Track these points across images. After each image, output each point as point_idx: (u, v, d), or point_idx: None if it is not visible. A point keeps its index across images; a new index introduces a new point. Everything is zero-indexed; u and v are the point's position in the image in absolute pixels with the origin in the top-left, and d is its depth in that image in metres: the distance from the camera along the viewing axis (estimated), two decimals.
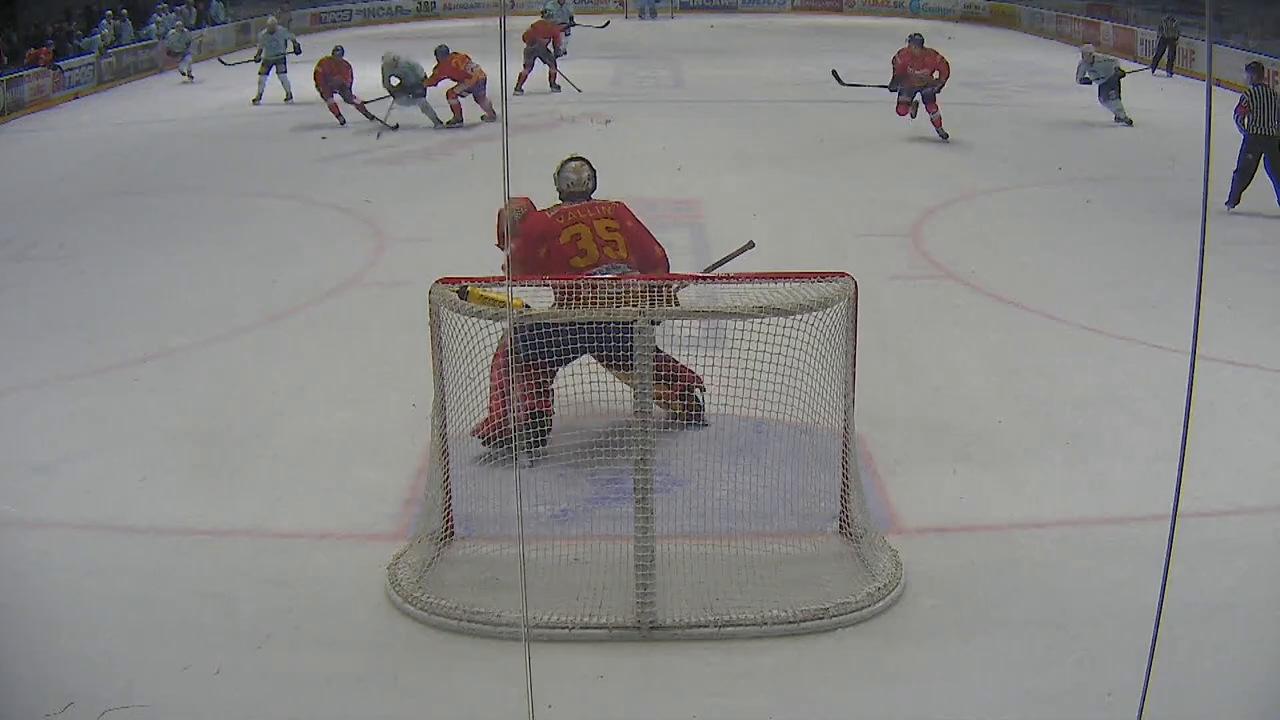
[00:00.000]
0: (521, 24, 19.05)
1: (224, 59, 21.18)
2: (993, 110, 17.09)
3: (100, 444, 6.08)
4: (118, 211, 11.42)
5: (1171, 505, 2.54)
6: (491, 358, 5.05)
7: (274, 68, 18.18)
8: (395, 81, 15.06)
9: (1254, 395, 6.52)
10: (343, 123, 15.71)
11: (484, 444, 5.41)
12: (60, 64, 20.69)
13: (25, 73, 19.49)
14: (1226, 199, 10.33)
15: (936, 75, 13.93)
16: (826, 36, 27.86)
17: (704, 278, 5.50)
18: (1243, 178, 10.30)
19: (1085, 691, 3.99)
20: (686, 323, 4.51)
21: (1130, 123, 15.09)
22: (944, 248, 9.65)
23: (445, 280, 4.70)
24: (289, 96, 17.95)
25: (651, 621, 4.30)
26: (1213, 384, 6.28)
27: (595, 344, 4.82)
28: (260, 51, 18.43)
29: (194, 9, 27.31)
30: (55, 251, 9.96)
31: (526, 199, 6.04)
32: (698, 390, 5.66)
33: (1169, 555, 2.53)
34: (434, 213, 10.83)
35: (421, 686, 4.11)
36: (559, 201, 5.94)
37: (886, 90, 14.34)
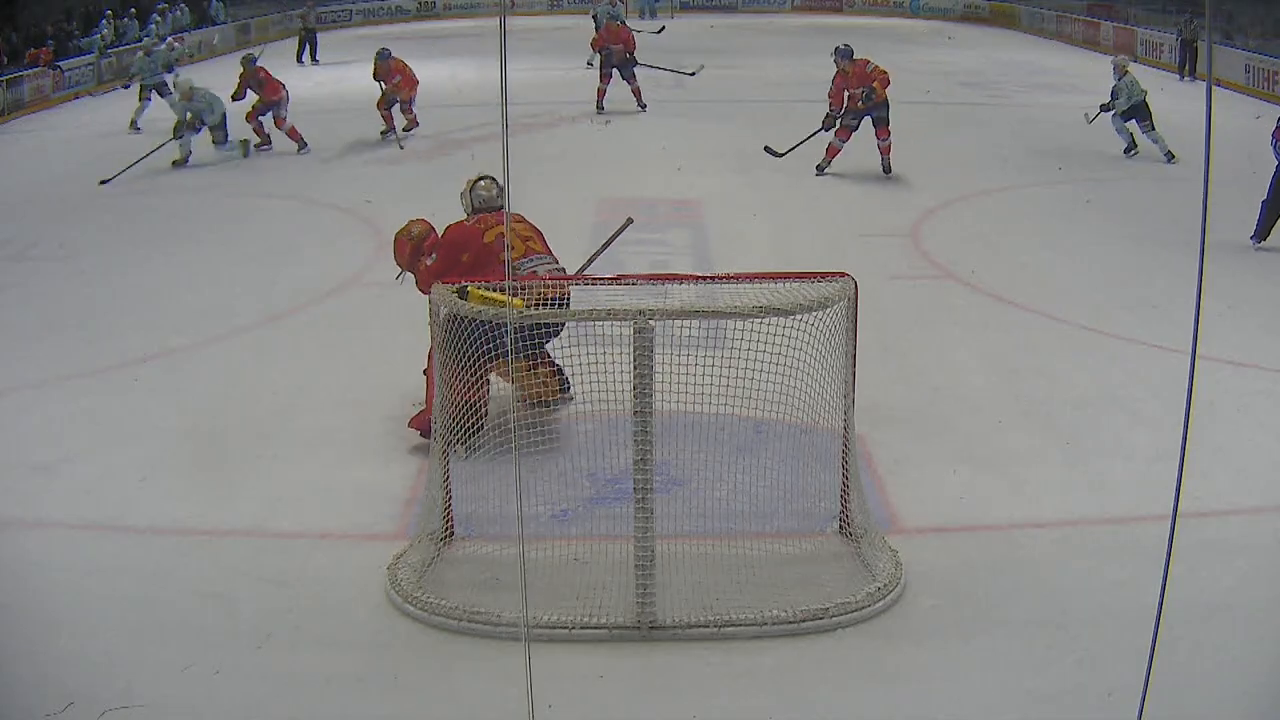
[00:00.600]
0: (522, 24, 19.05)
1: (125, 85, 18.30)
2: (993, 110, 17.10)
3: (100, 444, 6.08)
4: (118, 211, 11.41)
5: (1171, 505, 2.54)
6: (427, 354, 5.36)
7: (154, 91, 16.41)
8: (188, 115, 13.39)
9: (1254, 395, 6.52)
10: (266, 146, 14.25)
11: (421, 435, 5.64)
12: (60, 64, 20.70)
13: (25, 73, 19.50)
14: (1253, 233, 9.33)
15: (875, 88, 11.72)
16: (826, 36, 27.79)
17: (579, 279, 5.67)
18: (1272, 210, 9.27)
19: (1085, 691, 4.00)
20: (686, 322, 4.50)
21: (1173, 156, 12.84)
22: (944, 248, 9.65)
23: (447, 281, 4.70)
24: (133, 123, 16.06)
25: (651, 621, 4.30)
26: (1213, 384, 6.28)
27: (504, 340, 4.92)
28: (137, 75, 16.86)
29: (190, 9, 27.29)
30: (55, 251, 9.96)
31: (425, 221, 6.27)
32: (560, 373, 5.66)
33: (1169, 555, 2.53)
34: (434, 213, 10.77)
35: (421, 686, 4.11)
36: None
37: (825, 131, 12.17)
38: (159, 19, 24.78)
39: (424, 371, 5.86)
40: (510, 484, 4.80)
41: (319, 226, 10.71)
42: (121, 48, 23.28)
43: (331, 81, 15.80)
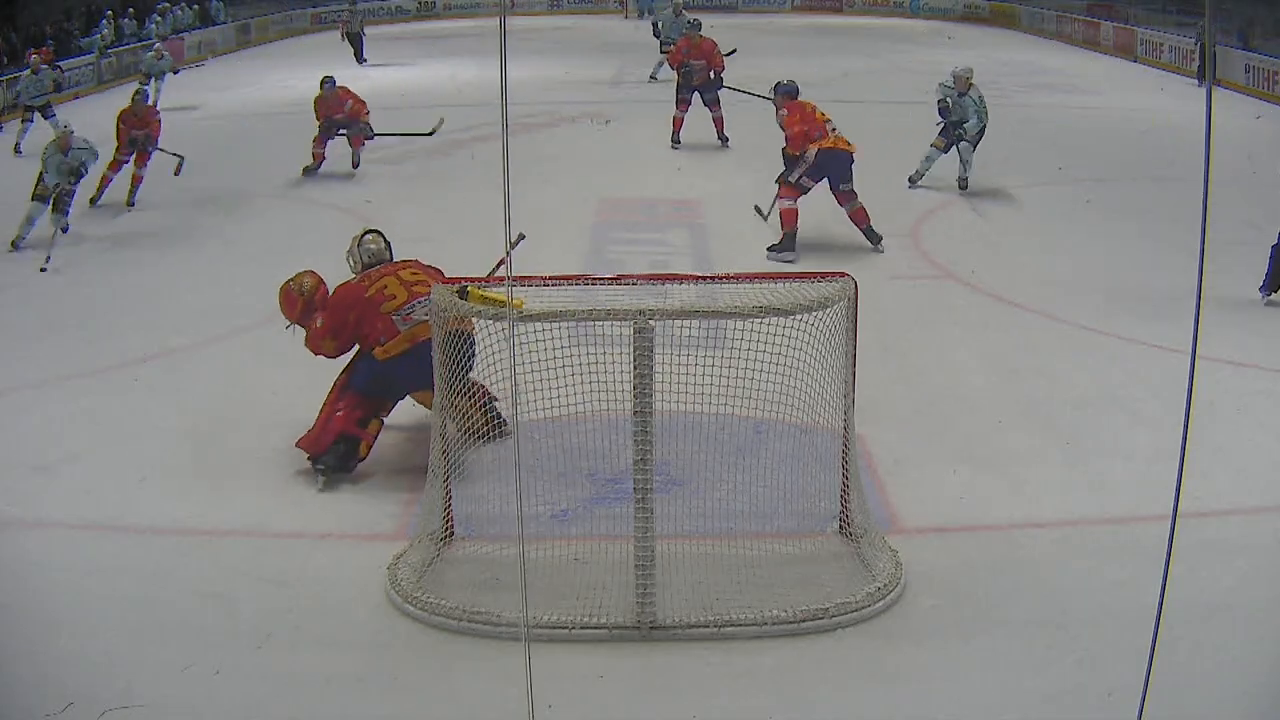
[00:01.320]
0: (522, 24, 19.04)
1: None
2: (993, 110, 17.04)
3: (100, 444, 6.08)
4: (118, 211, 11.41)
5: (1171, 505, 2.54)
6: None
7: (36, 113, 15.20)
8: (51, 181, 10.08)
9: (1254, 395, 6.53)
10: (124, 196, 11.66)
11: (307, 457, 5.68)
12: (60, 64, 20.68)
13: (25, 73, 19.45)
14: (1262, 284, 8.15)
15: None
16: (826, 36, 27.85)
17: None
18: None
19: (1085, 691, 4.00)
20: (686, 322, 4.51)
21: (965, 185, 11.50)
22: (944, 248, 9.65)
23: (445, 280, 4.70)
24: (18, 147, 14.68)
25: (651, 621, 4.30)
26: (1213, 384, 6.28)
27: (416, 379, 5.19)
28: (20, 94, 15.66)
29: (190, 9, 27.29)
30: (55, 251, 9.94)
31: (314, 273, 6.20)
32: (494, 402, 5.50)
33: (1169, 555, 2.53)
34: (434, 213, 10.83)
35: (421, 686, 4.11)
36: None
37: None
38: (159, 19, 24.77)
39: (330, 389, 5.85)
40: (510, 484, 4.82)
41: (319, 226, 10.69)
42: (121, 48, 23.28)
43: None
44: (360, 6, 25.88)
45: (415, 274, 5.83)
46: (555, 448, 5.32)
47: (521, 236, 5.86)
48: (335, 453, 5.59)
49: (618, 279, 5.08)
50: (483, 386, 5.23)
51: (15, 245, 9.91)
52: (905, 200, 11.19)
